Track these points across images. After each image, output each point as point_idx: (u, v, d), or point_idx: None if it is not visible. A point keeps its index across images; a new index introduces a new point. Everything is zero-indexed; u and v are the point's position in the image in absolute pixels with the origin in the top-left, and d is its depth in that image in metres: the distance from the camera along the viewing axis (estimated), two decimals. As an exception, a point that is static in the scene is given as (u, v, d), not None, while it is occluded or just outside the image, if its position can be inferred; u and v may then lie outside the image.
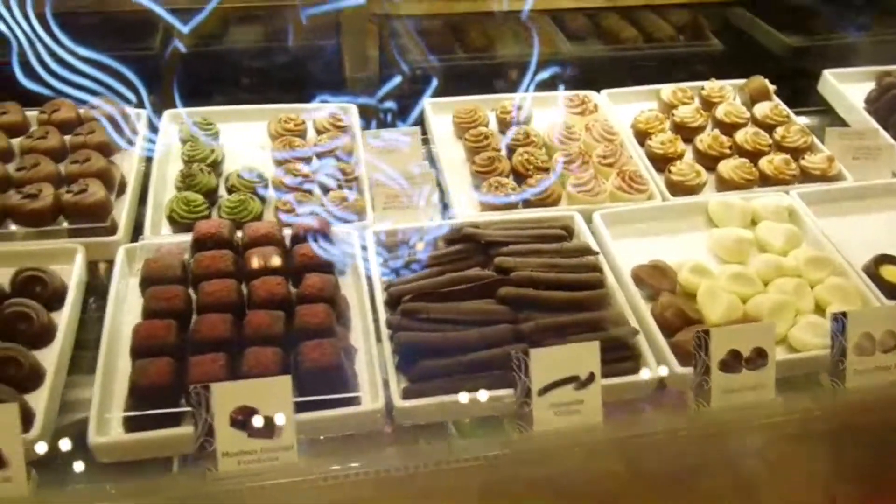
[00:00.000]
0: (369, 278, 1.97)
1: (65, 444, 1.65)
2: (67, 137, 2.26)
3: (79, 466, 1.64)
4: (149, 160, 2.32)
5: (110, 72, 2.16)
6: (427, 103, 2.51)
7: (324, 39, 2.54)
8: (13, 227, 2.07)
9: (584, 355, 1.68)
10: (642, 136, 2.51)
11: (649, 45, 3.00)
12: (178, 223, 2.09)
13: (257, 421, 1.61)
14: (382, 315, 1.88)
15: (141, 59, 2.46)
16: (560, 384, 1.67)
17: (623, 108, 2.64)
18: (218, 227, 1.95)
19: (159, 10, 2.10)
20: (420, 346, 1.76)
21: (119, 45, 2.26)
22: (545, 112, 2.57)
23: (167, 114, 2.44)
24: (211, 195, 2.18)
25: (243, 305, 1.84)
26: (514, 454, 1.69)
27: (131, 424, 1.66)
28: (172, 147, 2.36)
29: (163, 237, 2.04)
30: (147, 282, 1.84)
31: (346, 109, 2.47)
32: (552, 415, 1.67)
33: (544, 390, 1.65)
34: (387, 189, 2.20)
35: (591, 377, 1.67)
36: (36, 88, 2.06)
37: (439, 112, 2.53)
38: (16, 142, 2.26)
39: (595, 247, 2.07)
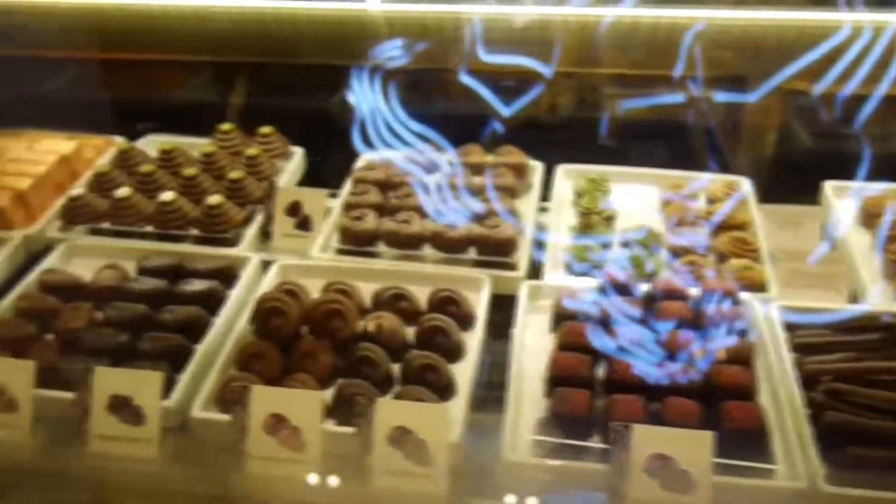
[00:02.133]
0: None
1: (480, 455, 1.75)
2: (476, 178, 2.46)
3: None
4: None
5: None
6: (828, 186, 2.41)
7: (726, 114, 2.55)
8: (427, 251, 2.27)
9: None
10: None
11: None
12: (579, 268, 2.16)
13: (672, 471, 1.58)
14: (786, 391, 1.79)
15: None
16: None
17: None
18: (625, 277, 1.99)
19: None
20: (851, 429, 1.64)
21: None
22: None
23: (561, 168, 2.57)
24: (604, 247, 2.25)
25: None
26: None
27: (543, 449, 1.71)
28: (564, 198, 2.49)
29: (563, 279, 2.13)
30: (561, 317, 1.91)
31: (739, 181, 2.45)
32: None
33: None
34: (790, 265, 2.12)
35: None
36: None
37: (840, 195, 2.41)
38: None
39: None
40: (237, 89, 3.25)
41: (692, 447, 1.58)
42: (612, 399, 1.68)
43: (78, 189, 2.39)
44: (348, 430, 1.70)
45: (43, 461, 1.78)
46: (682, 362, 1.74)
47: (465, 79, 2.23)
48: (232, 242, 2.33)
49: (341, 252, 2.28)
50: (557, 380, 1.73)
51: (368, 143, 2.54)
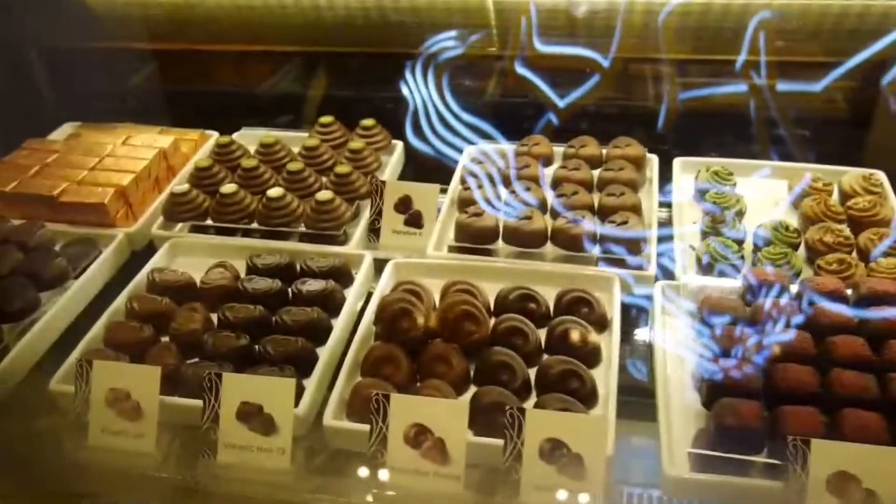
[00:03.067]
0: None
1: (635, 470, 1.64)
2: (596, 172, 2.35)
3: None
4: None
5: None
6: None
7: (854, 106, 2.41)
8: (549, 248, 2.15)
9: None
10: None
11: None
12: (715, 267, 2.03)
13: (857, 491, 1.46)
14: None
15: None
16: None
17: None
18: (774, 276, 1.86)
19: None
20: None
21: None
22: None
23: (678, 161, 2.43)
24: (738, 244, 2.12)
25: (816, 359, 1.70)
26: None
27: (702, 463, 1.59)
28: (685, 192, 2.35)
29: (702, 278, 1.99)
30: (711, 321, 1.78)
31: (877, 175, 2.27)
32: None
33: None
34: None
35: None
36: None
37: None
38: (549, 170, 2.39)
39: None
40: (316, 81, 3.18)
41: (880, 464, 1.46)
42: (783, 411, 1.55)
43: (182, 185, 2.31)
44: (495, 441, 1.60)
45: (168, 471, 1.72)
46: (855, 370, 1.61)
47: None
48: (340, 240, 2.25)
49: (456, 250, 2.19)
50: (720, 389, 1.61)
51: (421, 136, 2.49)
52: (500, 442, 1.58)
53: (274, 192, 2.23)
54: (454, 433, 1.59)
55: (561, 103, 2.50)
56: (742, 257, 2.04)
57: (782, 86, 2.43)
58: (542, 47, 2.50)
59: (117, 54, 3.16)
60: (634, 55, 2.63)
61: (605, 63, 2.46)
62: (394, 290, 1.98)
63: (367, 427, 1.63)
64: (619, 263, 2.07)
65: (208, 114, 2.99)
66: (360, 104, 2.85)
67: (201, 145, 2.64)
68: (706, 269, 2.06)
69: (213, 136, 2.69)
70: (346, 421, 1.72)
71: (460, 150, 2.49)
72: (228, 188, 2.26)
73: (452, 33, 2.64)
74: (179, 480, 1.70)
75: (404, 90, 2.50)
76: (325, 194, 2.21)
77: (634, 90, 2.77)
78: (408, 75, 2.57)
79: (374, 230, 2.25)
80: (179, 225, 2.34)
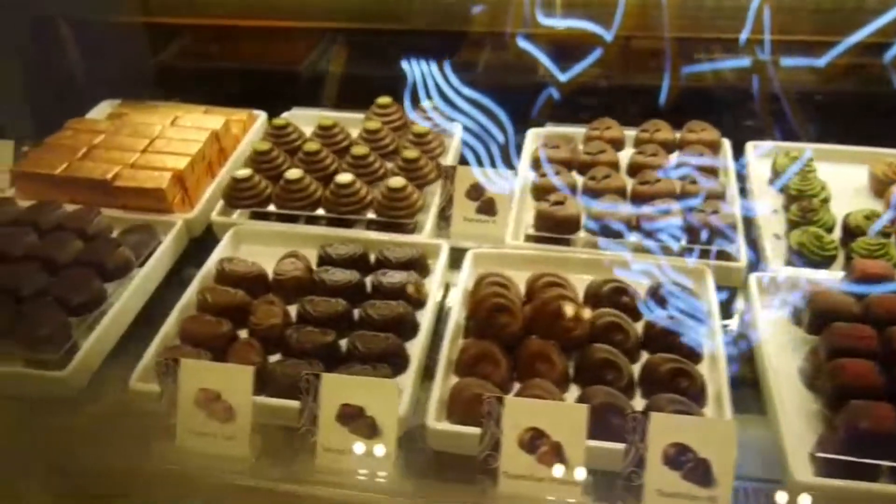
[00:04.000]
0: None
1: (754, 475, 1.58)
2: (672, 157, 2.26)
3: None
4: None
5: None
6: None
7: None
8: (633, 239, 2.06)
9: None
10: None
11: None
12: (805, 258, 1.97)
13: None
14: None
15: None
16: None
17: None
18: (882, 269, 1.81)
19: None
20: None
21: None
22: None
23: (751, 145, 2.36)
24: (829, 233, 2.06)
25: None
26: None
27: (831, 467, 1.53)
28: (762, 178, 2.29)
29: (799, 270, 1.93)
30: (822, 316, 1.72)
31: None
32: None
33: None
34: None
35: None
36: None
37: None
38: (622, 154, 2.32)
39: None
40: (341, 59, 3.05)
41: None
42: (916, 412, 1.50)
43: (244, 170, 2.20)
44: (614, 446, 1.54)
45: (263, 475, 1.63)
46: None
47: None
48: (409, 228, 2.17)
49: (535, 239, 2.11)
50: (847, 390, 1.55)
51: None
52: (618, 446, 1.52)
53: (343, 177, 2.13)
54: (572, 437, 1.52)
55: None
56: (836, 248, 1.99)
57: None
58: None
59: (140, 30, 3.03)
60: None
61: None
62: (480, 283, 1.90)
63: (474, 430, 1.56)
64: (709, 254, 2.01)
65: (241, 92, 2.87)
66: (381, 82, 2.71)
67: (249, 126, 2.53)
68: (797, 259, 2.00)
69: (262, 116, 2.58)
70: (447, 423, 1.65)
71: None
72: (294, 173, 2.15)
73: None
74: (274, 485, 1.62)
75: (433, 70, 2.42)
76: (397, 181, 2.11)
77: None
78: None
79: (444, 218, 2.17)
80: (237, 211, 2.25)
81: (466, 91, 2.39)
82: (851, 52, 2.20)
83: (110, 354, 1.88)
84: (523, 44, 2.39)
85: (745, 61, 2.36)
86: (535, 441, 1.53)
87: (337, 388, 1.60)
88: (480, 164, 2.30)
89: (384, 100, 2.45)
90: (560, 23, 2.41)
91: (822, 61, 2.22)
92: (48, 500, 1.73)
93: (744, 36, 2.24)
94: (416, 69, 2.61)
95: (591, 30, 2.30)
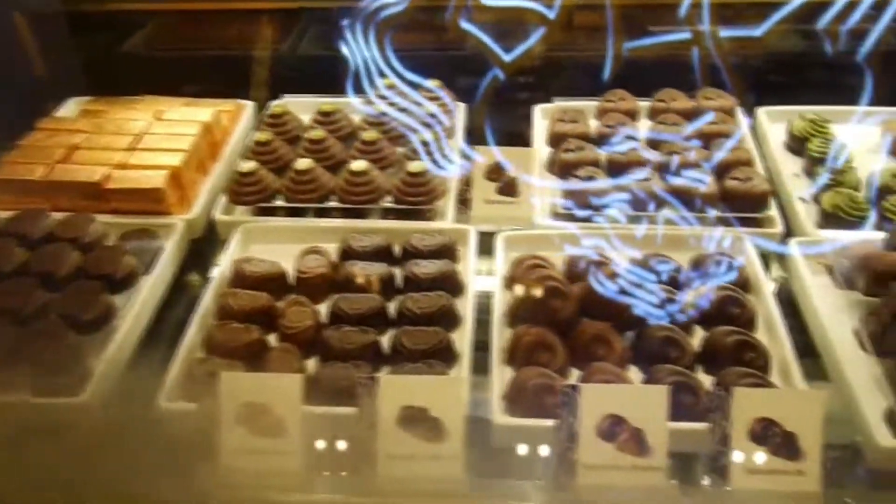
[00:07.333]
0: None
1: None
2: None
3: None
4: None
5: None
6: None
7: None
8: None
9: None
10: None
11: None
12: (841, 220, 1.94)
13: None
14: None
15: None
16: None
17: None
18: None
19: None
20: None
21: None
22: None
23: (763, 111, 2.32)
24: (857, 194, 2.03)
25: None
26: None
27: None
28: (777, 144, 2.25)
29: (839, 233, 1.89)
30: (879, 278, 1.68)
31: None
32: None
33: None
34: None
35: None
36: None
37: None
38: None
39: None
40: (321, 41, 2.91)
41: None
42: None
43: (248, 163, 2.05)
44: (696, 426, 1.47)
45: (323, 490, 1.51)
46: None
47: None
48: (429, 215, 2.06)
49: (562, 217, 2.02)
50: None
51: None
52: (698, 426, 1.47)
53: (358, 165, 2.00)
54: (653, 421, 1.44)
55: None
56: (869, 208, 1.97)
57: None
58: None
59: (96, 19, 2.82)
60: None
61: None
62: (518, 267, 1.81)
63: (543, 422, 1.48)
64: (744, 222, 1.97)
65: (211, 81, 2.64)
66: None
67: (238, 117, 2.37)
68: (830, 221, 1.97)
69: (249, 106, 2.42)
70: (512, 418, 1.56)
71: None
72: (303, 163, 2.01)
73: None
74: (336, 499, 1.50)
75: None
76: (417, 165, 1.99)
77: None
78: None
79: (462, 201, 2.07)
80: (239, 208, 2.10)
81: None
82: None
83: (131, 372, 1.72)
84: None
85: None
86: (614, 428, 1.45)
87: (395, 391, 1.48)
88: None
89: (385, 82, 2.33)
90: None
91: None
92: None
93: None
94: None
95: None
